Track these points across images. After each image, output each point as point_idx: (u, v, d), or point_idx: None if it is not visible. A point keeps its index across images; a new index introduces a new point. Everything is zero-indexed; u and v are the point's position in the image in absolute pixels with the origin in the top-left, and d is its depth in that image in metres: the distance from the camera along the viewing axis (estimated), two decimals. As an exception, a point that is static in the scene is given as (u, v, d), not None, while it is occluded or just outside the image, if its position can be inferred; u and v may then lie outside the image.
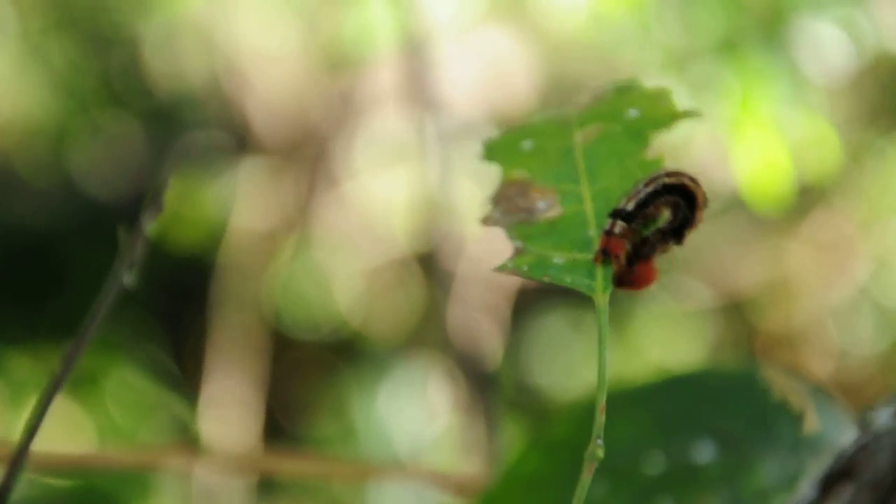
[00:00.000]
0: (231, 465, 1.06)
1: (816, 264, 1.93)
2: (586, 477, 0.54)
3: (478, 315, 1.47)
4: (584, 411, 0.72)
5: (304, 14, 1.77)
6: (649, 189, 0.57)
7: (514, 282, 1.71)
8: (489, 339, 1.43)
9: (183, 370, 1.83)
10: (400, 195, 1.84)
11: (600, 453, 0.55)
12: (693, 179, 0.57)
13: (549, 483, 0.67)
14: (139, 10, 1.90)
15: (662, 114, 0.60)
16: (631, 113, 0.60)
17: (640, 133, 0.59)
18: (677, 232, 0.58)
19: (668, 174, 0.57)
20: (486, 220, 0.57)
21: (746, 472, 0.70)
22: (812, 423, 0.74)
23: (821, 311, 1.92)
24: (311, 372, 1.97)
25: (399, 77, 1.47)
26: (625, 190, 0.58)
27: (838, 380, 1.88)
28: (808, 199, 1.88)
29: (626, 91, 0.61)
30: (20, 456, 0.52)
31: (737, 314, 1.96)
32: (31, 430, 0.53)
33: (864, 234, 1.92)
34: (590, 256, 0.56)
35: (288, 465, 1.03)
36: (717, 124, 1.29)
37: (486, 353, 1.43)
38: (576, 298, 1.96)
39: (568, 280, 0.57)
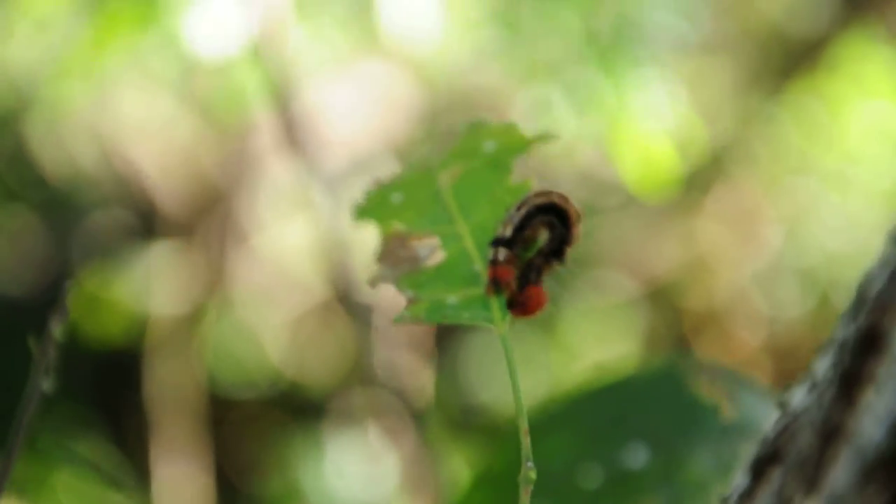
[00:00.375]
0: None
1: (729, 237, 1.95)
2: (525, 501, 0.55)
3: (403, 349, 1.47)
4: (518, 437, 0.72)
5: (180, 84, 1.76)
6: (522, 212, 0.58)
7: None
8: (418, 370, 1.43)
9: (128, 455, 1.81)
10: (306, 241, 1.84)
11: (532, 475, 0.56)
12: (562, 196, 0.59)
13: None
14: (18, 103, 1.88)
15: (516, 141, 0.61)
16: (488, 146, 0.61)
17: (500, 163, 0.60)
18: (557, 251, 0.60)
19: (537, 195, 0.59)
20: (374, 280, 0.59)
21: (681, 468, 0.71)
22: (730, 410, 0.75)
23: (742, 282, 1.94)
24: (254, 429, 1.96)
25: (277, 129, 1.47)
26: (499, 219, 0.59)
27: (772, 346, 1.90)
28: (706, 176, 1.90)
29: (477, 128, 0.62)
30: None
31: (662, 299, 1.97)
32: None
33: (768, 199, 1.94)
34: (481, 290, 0.58)
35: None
36: (594, 125, 1.30)
37: (417, 385, 1.43)
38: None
39: (466, 316, 0.58)
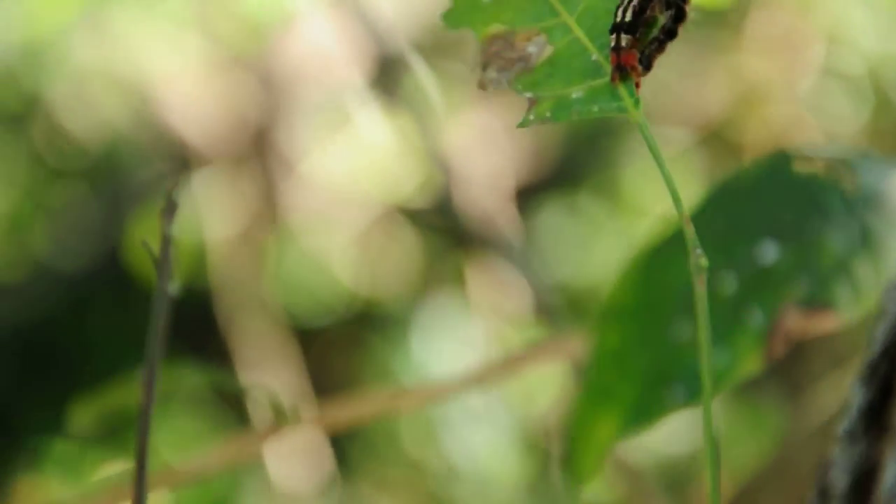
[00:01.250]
0: (321, 423, 1.05)
1: (773, 64, 1.92)
2: (700, 289, 0.53)
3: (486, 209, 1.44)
4: (645, 257, 0.70)
5: (196, 12, 1.74)
6: None
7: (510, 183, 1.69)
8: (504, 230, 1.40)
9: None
10: (354, 156, 1.82)
11: (704, 262, 0.53)
12: None
13: (647, 313, 0.64)
14: (37, 76, 1.87)
15: None
16: None
17: None
18: (671, 30, 0.57)
19: None
20: (484, 84, 0.55)
21: (816, 253, 0.68)
22: (850, 184, 0.72)
23: (795, 106, 1.90)
24: (340, 355, 1.95)
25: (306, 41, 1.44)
26: (608, 4, 0.56)
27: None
28: (740, 7, 1.86)
29: None
30: (141, 482, 0.50)
31: (719, 142, 1.94)
32: (141, 455, 0.51)
33: (804, 18, 1.90)
34: (606, 79, 0.55)
35: (358, 409, 1.01)
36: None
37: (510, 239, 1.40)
38: (565, 186, 1.95)
39: (596, 109, 0.55)
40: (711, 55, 1.92)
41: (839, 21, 1.87)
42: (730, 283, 0.69)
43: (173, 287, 0.59)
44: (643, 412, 0.60)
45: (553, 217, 1.91)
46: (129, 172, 1.91)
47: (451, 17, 0.57)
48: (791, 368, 1.69)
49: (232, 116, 1.88)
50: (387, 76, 1.55)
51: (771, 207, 0.67)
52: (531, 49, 0.56)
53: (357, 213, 1.91)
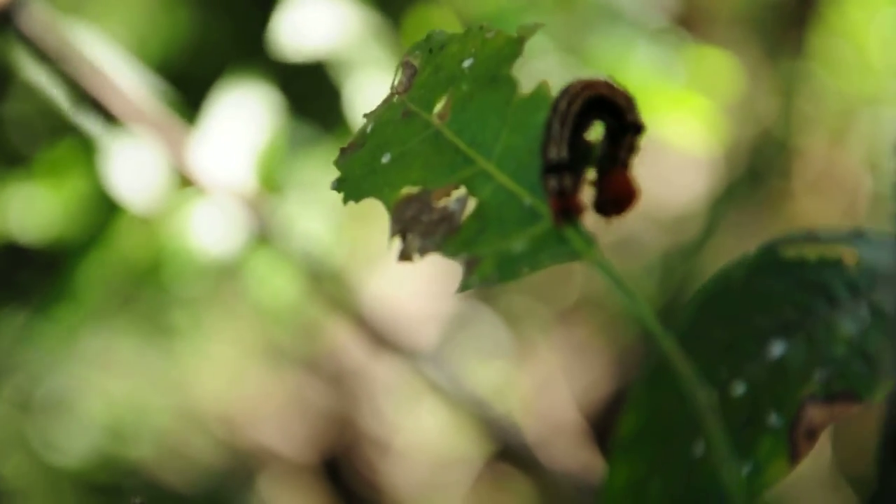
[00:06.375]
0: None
1: (828, 202, 1.87)
2: (711, 423, 0.48)
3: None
4: (646, 385, 0.65)
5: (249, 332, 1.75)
6: (568, 122, 0.50)
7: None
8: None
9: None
10: (442, 419, 1.79)
11: (705, 397, 0.49)
12: (604, 84, 0.51)
13: (656, 440, 0.59)
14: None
15: (501, 45, 0.52)
16: (466, 64, 0.52)
17: (495, 77, 0.52)
18: (620, 142, 0.52)
19: (571, 97, 0.50)
20: (408, 254, 0.50)
21: (826, 340, 0.63)
22: (851, 259, 0.67)
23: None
24: None
25: (360, 336, 1.44)
26: (542, 138, 0.51)
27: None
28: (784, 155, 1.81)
29: (438, 51, 0.53)
30: None
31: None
32: None
33: (845, 149, 1.87)
34: (547, 225, 0.50)
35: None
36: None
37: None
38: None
39: (546, 259, 0.50)
40: (764, 209, 1.87)
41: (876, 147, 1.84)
42: (739, 389, 0.64)
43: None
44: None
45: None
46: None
47: (348, 188, 0.52)
48: None
49: (312, 417, 1.87)
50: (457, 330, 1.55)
51: (769, 301, 0.62)
52: (452, 206, 0.51)
53: (460, 472, 1.87)
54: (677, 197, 1.79)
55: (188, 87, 1.41)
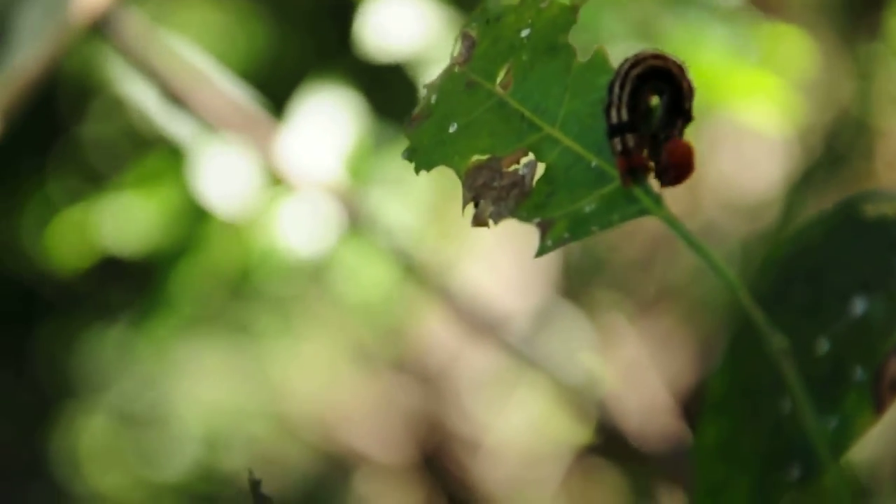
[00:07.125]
0: None
1: None
2: (790, 373, 0.49)
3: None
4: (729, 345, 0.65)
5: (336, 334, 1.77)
6: (627, 88, 0.52)
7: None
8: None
9: None
10: (533, 407, 1.79)
11: (783, 343, 0.50)
12: (657, 55, 0.53)
13: (742, 399, 0.60)
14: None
15: (554, 15, 0.53)
16: (524, 34, 0.54)
17: (553, 45, 0.53)
18: (677, 109, 0.54)
19: (631, 65, 0.53)
20: (482, 220, 0.52)
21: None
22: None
23: None
24: None
25: (450, 323, 1.45)
26: (594, 106, 0.53)
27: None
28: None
29: (495, 22, 0.55)
30: None
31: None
32: None
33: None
34: (616, 185, 0.52)
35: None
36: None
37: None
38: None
39: (616, 218, 0.51)
40: (845, 191, 1.86)
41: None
42: (823, 347, 0.64)
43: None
44: (763, 500, 0.56)
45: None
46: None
47: (419, 158, 0.54)
48: None
49: (403, 417, 1.89)
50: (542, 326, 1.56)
51: (848, 259, 0.63)
52: (522, 171, 0.52)
53: (550, 467, 1.88)
54: (755, 183, 1.79)
55: (269, 97, 1.44)
